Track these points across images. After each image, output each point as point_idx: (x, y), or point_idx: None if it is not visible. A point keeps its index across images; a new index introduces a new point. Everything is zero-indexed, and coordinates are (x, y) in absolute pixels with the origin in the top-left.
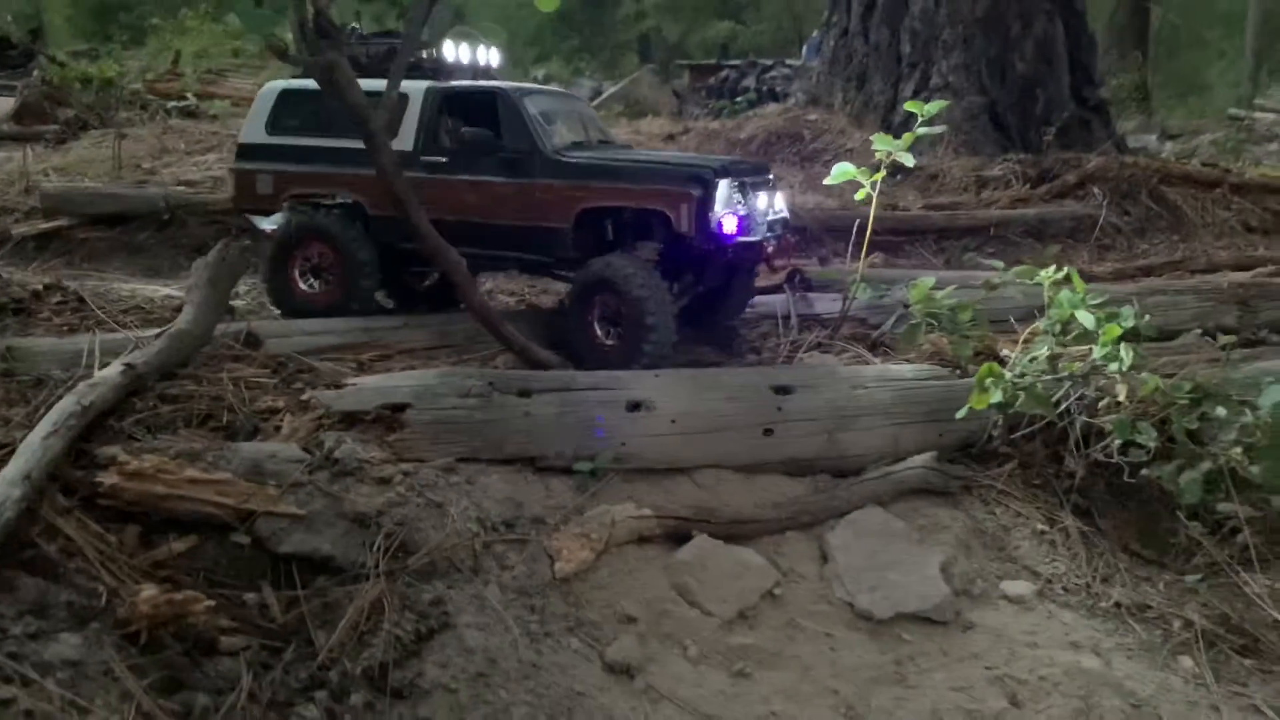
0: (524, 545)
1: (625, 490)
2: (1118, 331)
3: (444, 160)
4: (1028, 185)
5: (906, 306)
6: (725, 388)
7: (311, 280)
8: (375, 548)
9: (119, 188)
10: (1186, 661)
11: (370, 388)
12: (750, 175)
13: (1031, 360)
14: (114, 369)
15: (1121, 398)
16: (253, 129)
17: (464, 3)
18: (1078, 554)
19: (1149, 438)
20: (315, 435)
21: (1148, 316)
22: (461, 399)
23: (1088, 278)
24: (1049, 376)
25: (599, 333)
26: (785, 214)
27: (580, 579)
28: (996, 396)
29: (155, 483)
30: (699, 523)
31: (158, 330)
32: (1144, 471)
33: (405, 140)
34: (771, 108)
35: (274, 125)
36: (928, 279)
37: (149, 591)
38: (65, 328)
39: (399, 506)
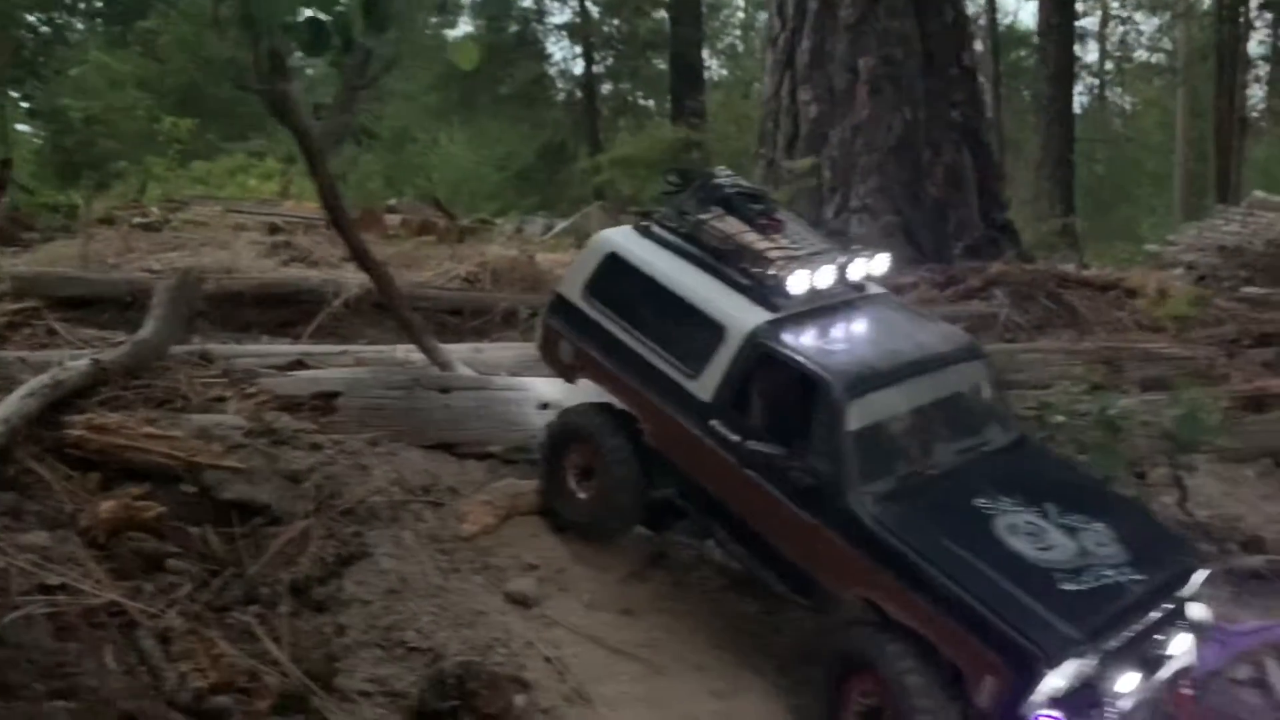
0: (438, 508)
1: (533, 475)
2: None
3: (734, 439)
4: (937, 290)
5: None
6: None
7: (582, 482)
8: (306, 496)
9: (87, 273)
10: None
11: (306, 377)
12: (1152, 609)
13: None
14: (83, 361)
15: None
16: (571, 283)
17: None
18: None
19: None
20: (257, 413)
21: None
22: (388, 390)
23: None
24: None
25: None
26: (1190, 654)
27: (488, 537)
28: None
29: (117, 436)
30: None
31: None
32: None
33: (707, 387)
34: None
35: (592, 289)
36: None
37: (109, 503)
38: (38, 347)
39: (328, 465)
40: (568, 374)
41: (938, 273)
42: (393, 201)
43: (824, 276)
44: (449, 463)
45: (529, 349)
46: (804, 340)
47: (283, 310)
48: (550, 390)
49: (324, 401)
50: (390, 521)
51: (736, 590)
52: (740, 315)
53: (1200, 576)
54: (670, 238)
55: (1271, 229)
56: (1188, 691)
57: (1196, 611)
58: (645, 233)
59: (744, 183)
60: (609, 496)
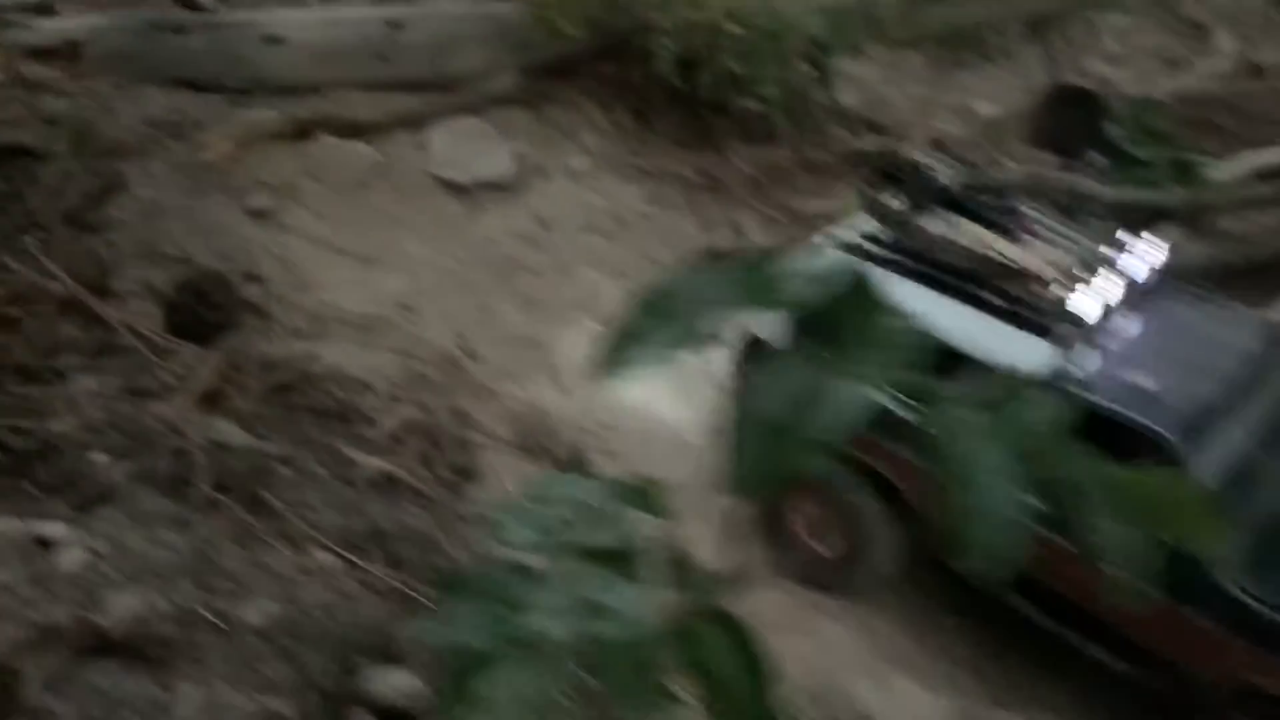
0: (184, 140)
1: (269, 105)
2: None
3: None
4: None
5: None
6: (346, 24)
7: (818, 536)
8: (64, 138)
9: None
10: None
11: (52, 27)
12: None
13: None
14: None
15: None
16: (767, 323)
17: None
18: (630, 141)
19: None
20: (9, 64)
21: None
22: (125, 35)
23: None
24: None
25: None
26: None
27: (229, 163)
28: None
29: None
30: (323, 124)
31: None
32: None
33: None
34: None
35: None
36: None
37: None
38: None
39: (81, 111)
40: None
41: None
42: None
43: (1114, 290)
44: (192, 99)
45: None
46: (1109, 378)
47: None
48: (275, 21)
49: (70, 50)
50: (141, 155)
51: (448, 194)
52: (1020, 354)
53: None
54: (889, 255)
55: None
56: None
57: None
58: (852, 253)
59: (965, 174)
60: (865, 557)
